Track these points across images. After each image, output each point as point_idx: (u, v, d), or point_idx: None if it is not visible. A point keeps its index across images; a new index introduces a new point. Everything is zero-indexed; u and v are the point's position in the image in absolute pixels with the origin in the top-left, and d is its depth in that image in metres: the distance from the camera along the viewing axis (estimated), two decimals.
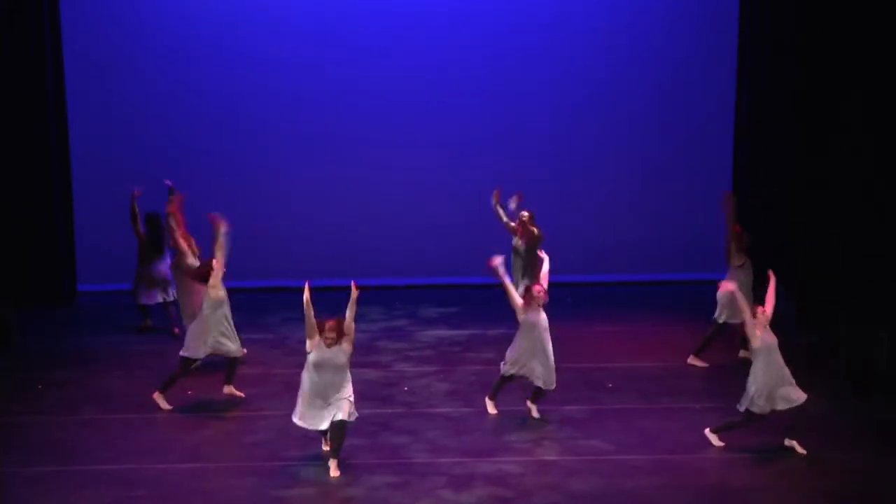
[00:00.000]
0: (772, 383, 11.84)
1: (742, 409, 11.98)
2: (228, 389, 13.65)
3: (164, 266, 16.18)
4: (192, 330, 13.46)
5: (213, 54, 18.28)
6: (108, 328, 16.67)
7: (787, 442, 12.16)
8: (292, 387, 12.06)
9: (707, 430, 12.39)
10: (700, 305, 17.02)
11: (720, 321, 14.71)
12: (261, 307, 15.99)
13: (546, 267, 13.32)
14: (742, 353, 14.59)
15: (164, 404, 13.40)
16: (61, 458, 12.11)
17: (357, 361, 15.00)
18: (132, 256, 16.53)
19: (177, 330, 15.79)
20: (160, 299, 16.26)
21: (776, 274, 12.51)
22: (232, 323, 13.49)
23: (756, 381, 11.86)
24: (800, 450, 12.07)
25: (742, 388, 12.03)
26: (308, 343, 11.69)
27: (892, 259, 14.34)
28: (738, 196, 18.06)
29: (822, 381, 12.23)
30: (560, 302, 15.48)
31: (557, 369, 13.18)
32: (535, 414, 13.18)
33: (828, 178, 15.90)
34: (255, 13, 18.28)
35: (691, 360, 14.91)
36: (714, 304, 14.83)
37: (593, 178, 18.71)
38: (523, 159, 18.52)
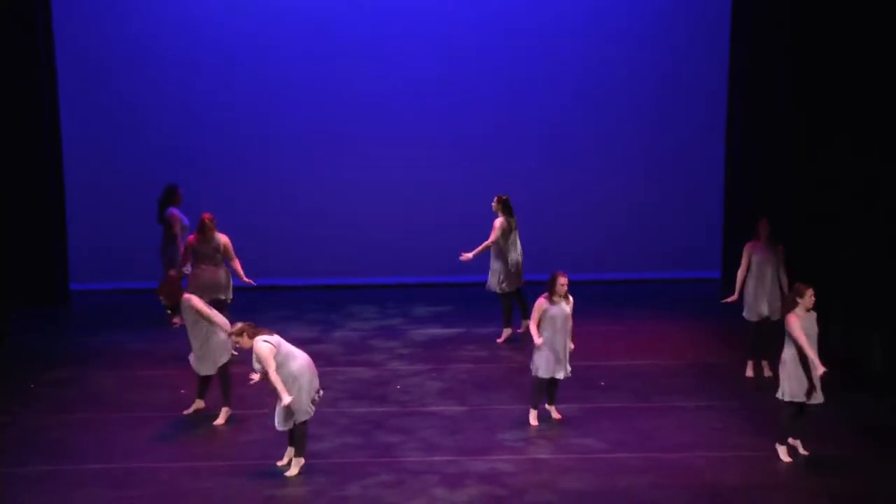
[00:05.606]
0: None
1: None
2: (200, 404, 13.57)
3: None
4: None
5: (205, 53, 18.25)
6: (101, 327, 16.65)
7: (791, 441, 12.07)
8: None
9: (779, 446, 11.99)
10: (697, 305, 17.12)
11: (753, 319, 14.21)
12: (254, 306, 15.93)
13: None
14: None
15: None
16: (55, 457, 12.10)
17: (350, 360, 15.08)
18: (126, 255, 16.51)
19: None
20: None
21: None
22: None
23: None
24: (802, 451, 12.01)
25: (734, 386, 11.98)
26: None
27: (887, 261, 14.32)
28: (734, 197, 18.13)
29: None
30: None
31: None
32: (556, 415, 13.03)
33: (822, 180, 15.87)
34: (254, 12, 18.25)
35: (767, 371, 14.08)
36: (711, 302, 14.85)
37: (591, 177, 18.67)
38: (519, 159, 18.50)
